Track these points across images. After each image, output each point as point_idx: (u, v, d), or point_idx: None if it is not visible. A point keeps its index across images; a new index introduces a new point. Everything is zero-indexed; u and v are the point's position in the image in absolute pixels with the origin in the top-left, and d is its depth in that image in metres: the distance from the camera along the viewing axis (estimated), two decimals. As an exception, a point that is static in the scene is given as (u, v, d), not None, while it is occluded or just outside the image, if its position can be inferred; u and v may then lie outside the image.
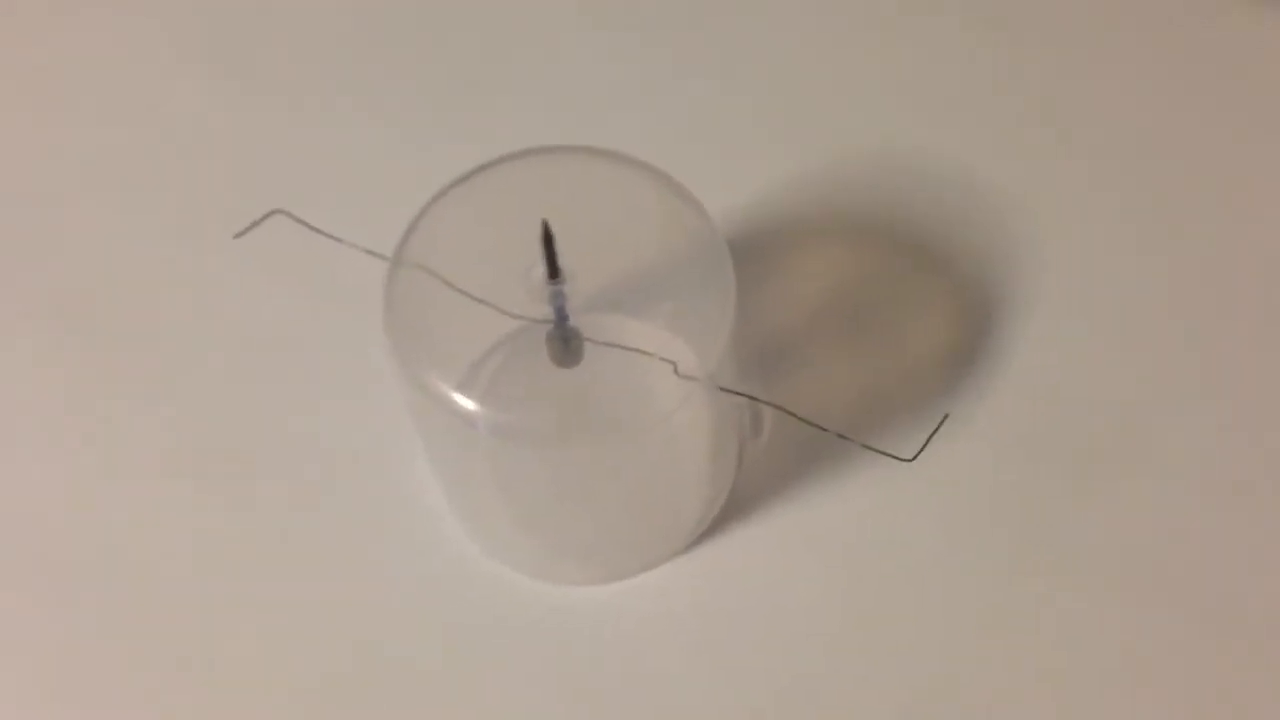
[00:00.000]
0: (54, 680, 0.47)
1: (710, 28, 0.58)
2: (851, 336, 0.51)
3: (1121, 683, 0.45)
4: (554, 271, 0.42)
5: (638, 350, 0.43)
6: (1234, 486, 0.48)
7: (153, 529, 0.49)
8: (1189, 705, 0.45)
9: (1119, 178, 0.54)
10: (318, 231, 0.46)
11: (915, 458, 0.47)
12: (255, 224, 0.47)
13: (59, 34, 0.60)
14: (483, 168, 0.45)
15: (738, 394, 0.45)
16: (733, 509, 0.48)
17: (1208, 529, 0.48)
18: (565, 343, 0.44)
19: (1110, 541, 0.47)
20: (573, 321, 0.44)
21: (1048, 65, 0.57)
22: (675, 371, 0.42)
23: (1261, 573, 0.47)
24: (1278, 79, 0.56)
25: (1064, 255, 0.53)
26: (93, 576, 0.48)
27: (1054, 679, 0.46)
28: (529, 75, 0.58)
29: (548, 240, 0.42)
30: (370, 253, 0.45)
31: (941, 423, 0.49)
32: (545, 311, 0.43)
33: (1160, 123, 0.55)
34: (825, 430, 0.48)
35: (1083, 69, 0.57)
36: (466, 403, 0.42)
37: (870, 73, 0.57)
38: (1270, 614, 0.46)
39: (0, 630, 0.48)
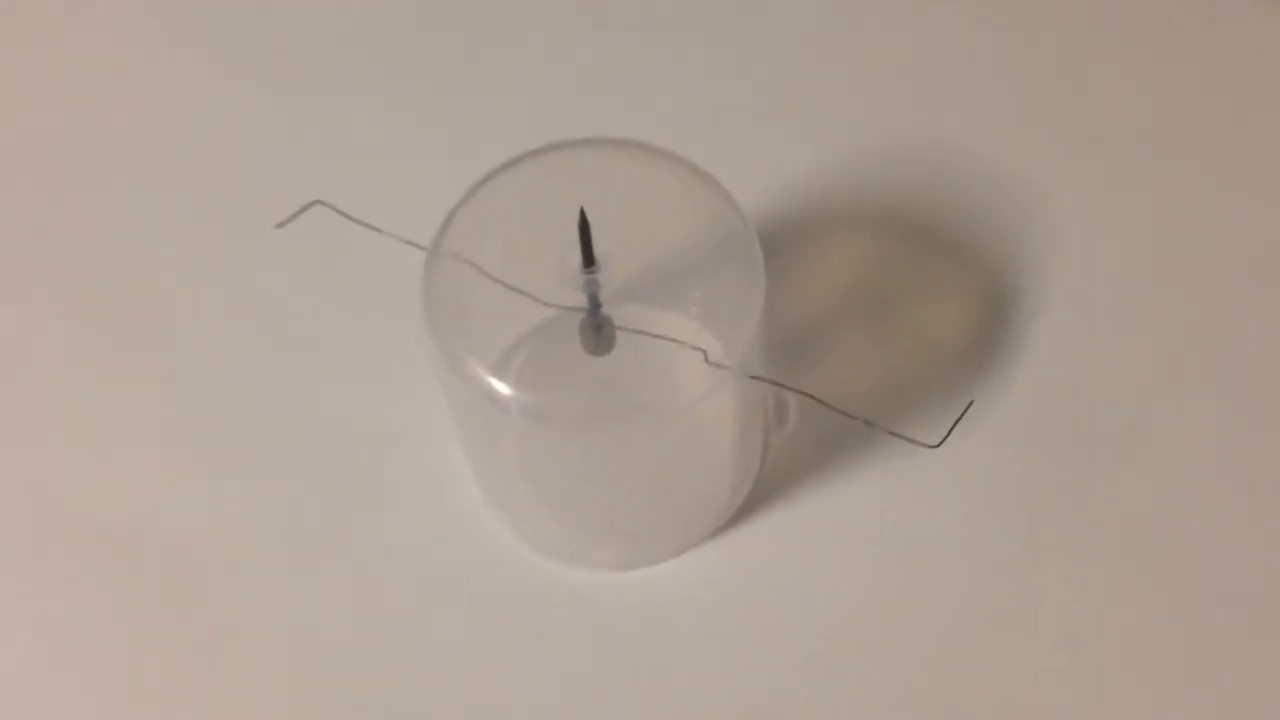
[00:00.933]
0: (71, 665, 0.48)
1: (739, 25, 0.59)
2: (876, 326, 0.52)
3: (1142, 666, 0.46)
4: (589, 260, 0.43)
5: (668, 338, 0.44)
6: (1256, 475, 0.49)
7: (187, 511, 0.50)
8: (1210, 686, 0.46)
9: (1138, 173, 0.55)
10: (357, 222, 0.47)
11: (941, 444, 0.47)
12: (297, 214, 0.48)
13: (93, 26, 0.60)
14: (517, 160, 0.45)
15: (766, 381, 0.46)
16: (758, 496, 0.49)
17: (1225, 513, 0.48)
18: (597, 330, 0.45)
19: (1134, 528, 0.48)
20: (605, 310, 0.44)
21: (1072, 61, 0.57)
22: (705, 359, 0.43)
23: (1274, 554, 0.47)
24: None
25: (1084, 247, 0.53)
26: (129, 559, 0.49)
27: (1076, 664, 0.46)
28: (562, 69, 0.58)
29: (584, 228, 0.42)
30: (408, 243, 0.45)
31: (967, 409, 0.49)
32: (578, 300, 0.44)
33: (1180, 119, 0.56)
34: (852, 417, 0.48)
35: (1106, 65, 0.57)
36: (501, 386, 0.43)
37: (894, 68, 0.57)
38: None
39: (28, 616, 0.48)
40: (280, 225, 0.48)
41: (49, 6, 0.61)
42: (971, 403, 0.49)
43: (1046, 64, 0.57)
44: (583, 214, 0.42)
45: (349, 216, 0.47)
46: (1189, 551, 0.47)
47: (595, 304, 0.44)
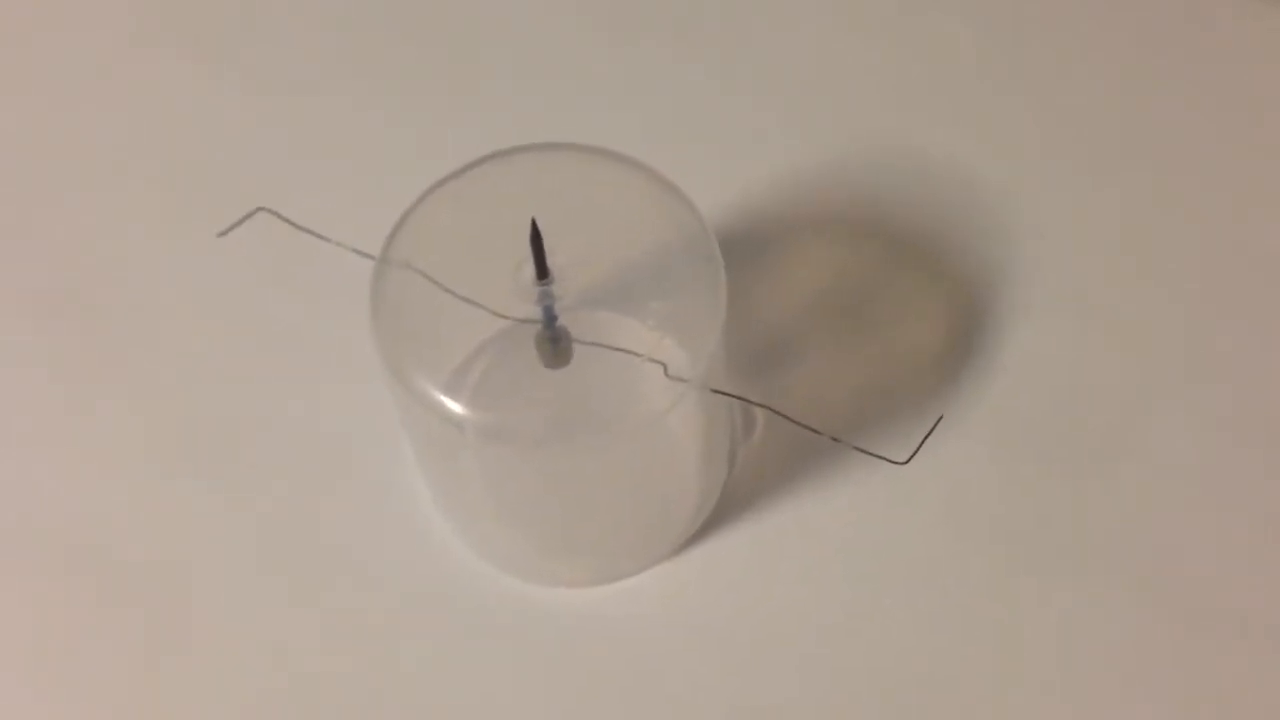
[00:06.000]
0: (46, 675, 0.47)
1: (704, 25, 0.58)
2: (845, 336, 0.51)
3: (1116, 678, 0.46)
4: (543, 272, 0.42)
5: (627, 351, 0.43)
6: (1225, 483, 0.48)
7: (137, 525, 0.49)
8: (1184, 698, 0.45)
9: (1113, 177, 0.54)
10: (302, 229, 0.46)
11: (909, 461, 0.47)
12: (239, 222, 0.47)
13: (44, 27, 0.60)
14: (471, 165, 0.45)
15: (729, 395, 0.45)
16: (724, 511, 0.48)
17: (1200, 525, 0.48)
18: (554, 344, 0.44)
19: (1102, 541, 0.48)
20: (562, 320, 0.43)
21: (1044, 64, 0.57)
22: (665, 373, 0.42)
23: (1251, 567, 0.47)
24: (1277, 78, 0.56)
25: (1057, 255, 0.53)
26: (77, 571, 0.48)
27: (1047, 676, 0.46)
28: (519, 72, 0.58)
29: (536, 239, 0.41)
30: (356, 251, 0.44)
31: (936, 424, 0.49)
32: (534, 311, 0.43)
33: (1156, 122, 0.56)
34: (818, 433, 0.47)
35: (1080, 67, 0.57)
36: (453, 405, 0.42)
37: (863, 71, 0.57)
38: (1259, 608, 0.46)
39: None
40: (222, 234, 0.47)
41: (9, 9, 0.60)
42: (941, 418, 0.49)
43: (1021, 71, 0.57)
44: (534, 225, 0.41)
45: (293, 224, 0.46)
46: (1161, 565, 0.47)
47: (551, 317, 0.43)
